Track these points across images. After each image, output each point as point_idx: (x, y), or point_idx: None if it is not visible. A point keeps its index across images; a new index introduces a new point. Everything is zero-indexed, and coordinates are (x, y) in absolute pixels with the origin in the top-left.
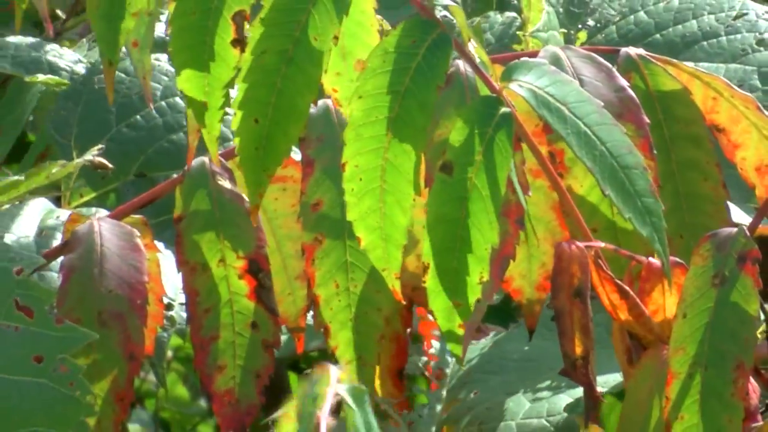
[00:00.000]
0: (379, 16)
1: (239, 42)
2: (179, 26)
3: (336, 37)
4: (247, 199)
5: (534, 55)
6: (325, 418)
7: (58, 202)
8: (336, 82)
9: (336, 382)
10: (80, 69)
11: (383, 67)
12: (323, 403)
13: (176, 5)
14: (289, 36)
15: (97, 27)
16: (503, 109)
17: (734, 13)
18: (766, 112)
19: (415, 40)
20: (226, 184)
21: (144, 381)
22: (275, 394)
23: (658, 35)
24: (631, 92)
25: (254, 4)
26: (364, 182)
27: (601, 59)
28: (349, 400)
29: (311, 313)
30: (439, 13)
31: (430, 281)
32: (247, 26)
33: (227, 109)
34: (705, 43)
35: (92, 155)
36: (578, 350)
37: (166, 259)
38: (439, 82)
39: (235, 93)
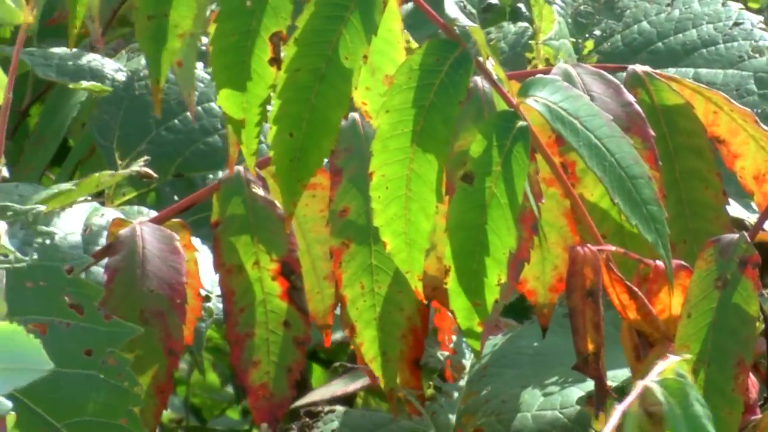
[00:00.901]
0: (405, 31)
1: (276, 61)
2: (219, 47)
3: (365, 56)
4: (279, 205)
5: (547, 72)
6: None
7: (102, 200)
8: (366, 96)
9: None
10: (120, 77)
11: (409, 83)
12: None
13: (217, 27)
14: (321, 55)
15: (145, 48)
16: (520, 123)
17: (731, 23)
18: (762, 123)
19: (439, 58)
20: (260, 191)
21: (175, 369)
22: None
23: (660, 44)
24: (637, 107)
25: (289, 25)
26: (390, 190)
27: (609, 76)
28: (660, 395)
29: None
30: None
31: (452, 283)
32: (282, 46)
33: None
34: (704, 50)
35: (139, 165)
36: (590, 347)
37: (202, 254)
38: (461, 98)
39: (271, 108)
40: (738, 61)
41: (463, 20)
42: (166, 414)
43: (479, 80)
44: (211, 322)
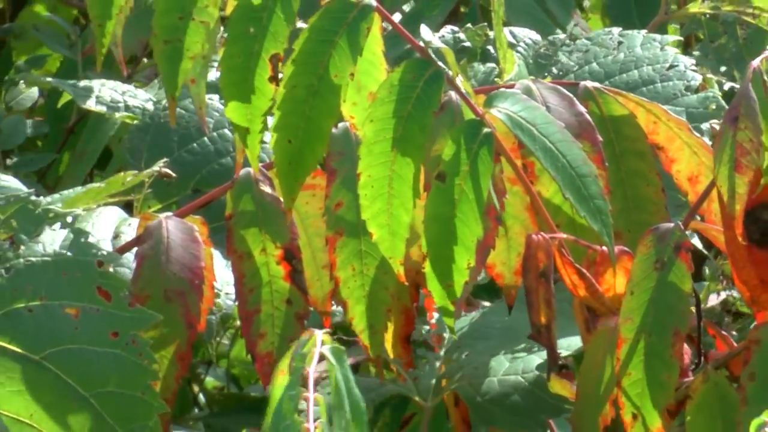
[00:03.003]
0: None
1: (275, 79)
2: (227, 67)
3: (352, 74)
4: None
5: (512, 86)
6: (312, 372)
7: (130, 210)
8: (353, 111)
9: (320, 343)
10: (150, 106)
11: (389, 97)
12: (311, 360)
13: (225, 50)
14: (314, 73)
15: (162, 68)
16: (485, 130)
17: (668, 65)
18: (696, 133)
19: (415, 75)
20: (267, 189)
21: (219, 344)
22: None
23: (607, 82)
24: (588, 117)
25: (287, 48)
26: (375, 189)
27: (564, 90)
28: (331, 358)
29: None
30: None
31: (428, 267)
32: (280, 66)
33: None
34: (644, 88)
35: (159, 167)
36: (543, 319)
37: (215, 258)
38: (434, 109)
39: (272, 119)
40: (673, 98)
41: (437, 43)
42: (211, 382)
43: (453, 94)
44: (221, 315)
